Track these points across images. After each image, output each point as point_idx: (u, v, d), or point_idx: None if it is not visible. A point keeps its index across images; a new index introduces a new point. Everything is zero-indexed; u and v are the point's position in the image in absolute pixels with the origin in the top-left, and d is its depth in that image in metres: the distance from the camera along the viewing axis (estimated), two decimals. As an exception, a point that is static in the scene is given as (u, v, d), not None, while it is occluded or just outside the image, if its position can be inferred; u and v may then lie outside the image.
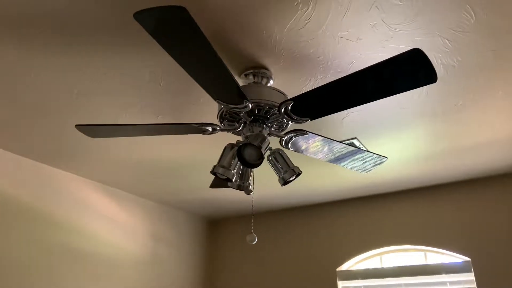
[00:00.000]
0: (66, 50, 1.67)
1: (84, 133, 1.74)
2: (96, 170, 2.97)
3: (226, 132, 1.81)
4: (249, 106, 1.54)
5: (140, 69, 1.80)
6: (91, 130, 1.72)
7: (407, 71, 1.28)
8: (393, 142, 2.49)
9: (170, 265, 3.73)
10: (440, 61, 1.73)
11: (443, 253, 3.21)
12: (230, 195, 3.55)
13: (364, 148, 2.35)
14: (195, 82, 1.89)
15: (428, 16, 1.47)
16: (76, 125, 1.67)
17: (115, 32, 1.56)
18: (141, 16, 1.11)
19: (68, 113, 2.16)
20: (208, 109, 2.12)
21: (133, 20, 1.50)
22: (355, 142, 2.46)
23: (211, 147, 2.58)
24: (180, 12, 1.08)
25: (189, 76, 1.85)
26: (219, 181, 2.26)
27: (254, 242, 1.73)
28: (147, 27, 1.15)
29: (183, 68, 1.32)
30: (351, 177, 3.11)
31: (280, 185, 3.25)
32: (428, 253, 3.31)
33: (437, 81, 1.82)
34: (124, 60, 1.73)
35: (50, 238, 2.78)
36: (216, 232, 4.40)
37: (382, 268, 3.36)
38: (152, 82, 1.89)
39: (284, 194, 3.53)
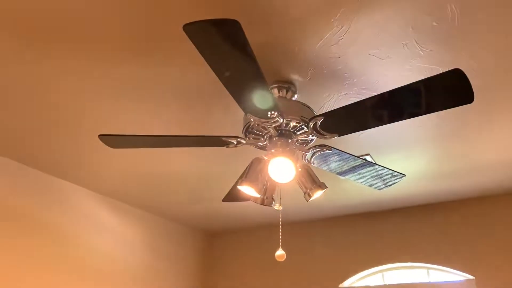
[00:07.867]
0: (86, 56, 1.63)
1: (106, 143, 1.69)
2: (98, 182, 2.90)
3: (250, 145, 1.79)
4: (280, 120, 1.53)
5: (159, 83, 1.78)
6: (114, 140, 1.67)
7: (446, 91, 1.30)
8: (405, 159, 2.51)
9: (168, 278, 3.64)
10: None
11: (446, 271, 3.22)
12: (232, 209, 3.51)
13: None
14: (211, 96, 1.88)
15: (460, 37, 1.50)
16: (100, 135, 1.63)
17: (144, 43, 1.54)
18: (190, 28, 1.09)
19: (78, 123, 2.11)
20: (222, 122, 2.10)
21: (164, 33, 1.48)
22: (368, 158, 2.47)
23: (216, 161, 2.54)
24: (233, 26, 1.07)
25: (207, 90, 1.83)
26: (233, 195, 2.22)
27: (283, 260, 1.70)
28: (194, 38, 1.13)
29: (221, 80, 1.31)
30: (356, 193, 3.11)
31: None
32: (431, 271, 3.32)
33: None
34: (144, 71, 1.71)
35: (48, 249, 2.68)
36: (216, 246, 4.33)
37: (385, 285, 3.35)
38: (168, 93, 1.87)
39: (288, 209, 3.50)
